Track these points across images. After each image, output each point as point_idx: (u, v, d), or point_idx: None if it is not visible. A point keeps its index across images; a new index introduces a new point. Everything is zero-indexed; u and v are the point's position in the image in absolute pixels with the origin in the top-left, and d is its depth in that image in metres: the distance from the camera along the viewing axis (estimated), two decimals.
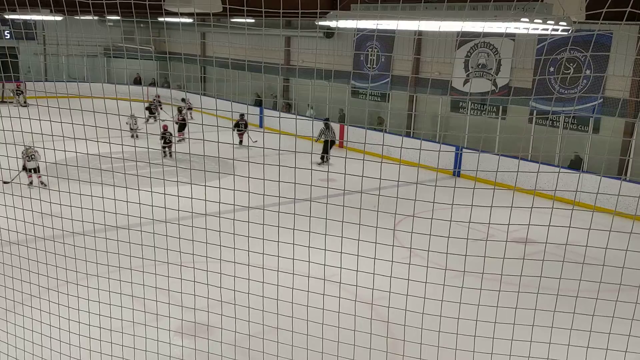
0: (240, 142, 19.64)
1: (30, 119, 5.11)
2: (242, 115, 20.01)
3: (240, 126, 19.83)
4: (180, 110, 22.40)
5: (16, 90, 26.09)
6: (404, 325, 4.51)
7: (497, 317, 4.14)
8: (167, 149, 17.90)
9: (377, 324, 5.23)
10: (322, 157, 18.06)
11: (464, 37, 17.71)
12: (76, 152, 5.07)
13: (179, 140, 18.66)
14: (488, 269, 4.32)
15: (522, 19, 5.78)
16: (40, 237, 5.38)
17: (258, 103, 26.25)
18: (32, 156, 14.08)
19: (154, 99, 24.17)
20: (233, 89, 24.81)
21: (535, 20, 5.84)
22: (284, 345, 5.00)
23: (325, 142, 18.28)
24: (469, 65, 18.93)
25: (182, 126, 19.95)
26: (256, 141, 17.44)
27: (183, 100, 24.17)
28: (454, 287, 4.34)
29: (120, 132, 4.74)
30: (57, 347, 5.46)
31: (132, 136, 19.55)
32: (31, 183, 14.21)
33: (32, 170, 14.24)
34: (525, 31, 6.69)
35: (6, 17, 24.45)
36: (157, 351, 5.29)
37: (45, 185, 13.63)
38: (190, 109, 23.51)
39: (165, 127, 18.99)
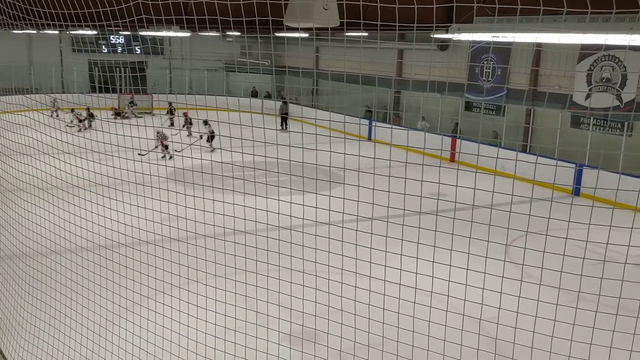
0: (171, 124, 24.17)
1: (145, 126, 5.55)
2: (170, 103, 25.44)
3: (172, 112, 24.99)
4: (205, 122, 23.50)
5: (130, 102, 27.89)
6: (513, 343, 4.43)
7: (612, 342, 3.96)
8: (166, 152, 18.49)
9: (484, 340, 5.15)
10: (282, 125, 25.36)
11: (587, 51, 16.86)
12: (212, 160, 5.42)
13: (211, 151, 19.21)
14: (605, 292, 4.14)
15: None
16: (169, 236, 5.82)
17: (368, 115, 26.47)
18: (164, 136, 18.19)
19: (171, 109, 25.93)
20: (344, 102, 25.29)
21: None
22: (389, 355, 5.06)
23: (282, 115, 26.25)
24: (592, 79, 17.98)
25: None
26: (144, 154, 13.00)
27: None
28: (564, 306, 4.20)
29: (241, 142, 5.01)
30: (184, 342, 5.85)
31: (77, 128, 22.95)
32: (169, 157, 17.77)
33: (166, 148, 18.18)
34: None
35: (139, 33, 26.42)
36: (266, 351, 5.53)
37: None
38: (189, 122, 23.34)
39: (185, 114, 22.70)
